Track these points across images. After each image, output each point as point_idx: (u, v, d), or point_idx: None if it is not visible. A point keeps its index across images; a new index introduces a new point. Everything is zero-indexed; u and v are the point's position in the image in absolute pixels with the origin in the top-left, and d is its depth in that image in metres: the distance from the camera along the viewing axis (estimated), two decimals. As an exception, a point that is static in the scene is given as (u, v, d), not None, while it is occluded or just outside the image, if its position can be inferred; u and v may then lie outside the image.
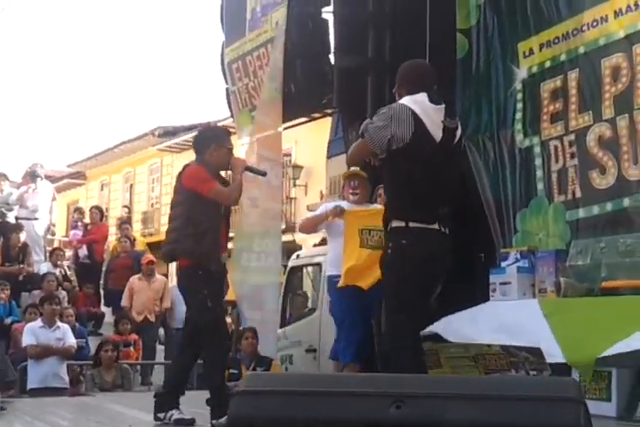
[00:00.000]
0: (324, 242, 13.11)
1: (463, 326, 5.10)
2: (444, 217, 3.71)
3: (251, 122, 7.93)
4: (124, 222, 12.28)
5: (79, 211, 12.49)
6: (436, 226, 3.61)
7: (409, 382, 1.17)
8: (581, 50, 5.51)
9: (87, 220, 11.80)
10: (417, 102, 3.71)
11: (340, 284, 5.38)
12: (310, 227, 6.11)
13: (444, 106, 3.80)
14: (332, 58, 7.04)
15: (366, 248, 5.38)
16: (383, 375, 1.17)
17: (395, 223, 3.63)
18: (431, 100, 3.75)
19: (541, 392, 1.09)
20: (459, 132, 3.92)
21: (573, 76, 5.57)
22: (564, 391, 1.09)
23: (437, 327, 5.03)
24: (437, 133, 3.68)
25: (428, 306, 3.77)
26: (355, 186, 5.74)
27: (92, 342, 8.37)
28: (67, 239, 14.10)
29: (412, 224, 3.58)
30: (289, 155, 19.15)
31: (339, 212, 5.64)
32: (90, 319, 10.21)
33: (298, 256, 9.01)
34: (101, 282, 10.84)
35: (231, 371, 6.96)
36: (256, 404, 1.12)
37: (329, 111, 8.91)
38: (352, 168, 5.74)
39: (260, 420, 1.12)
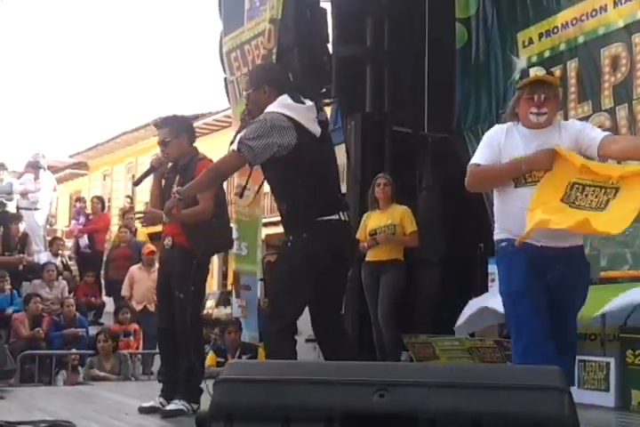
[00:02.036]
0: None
1: (467, 318, 5.14)
2: (342, 204, 3.72)
3: None
4: (127, 212, 12.29)
5: (81, 200, 12.52)
6: (336, 216, 3.61)
7: (392, 371, 1.17)
8: (581, 39, 5.50)
9: (89, 210, 11.82)
10: (287, 106, 3.64)
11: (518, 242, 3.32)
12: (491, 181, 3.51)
13: (313, 103, 3.76)
14: (330, 47, 7.02)
15: (569, 205, 3.27)
16: (366, 364, 1.16)
17: (299, 229, 3.61)
18: (296, 101, 3.69)
19: (525, 381, 1.08)
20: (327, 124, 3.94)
21: (573, 65, 5.55)
22: (548, 380, 1.08)
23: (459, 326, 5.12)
24: (316, 129, 3.66)
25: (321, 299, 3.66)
26: (539, 101, 3.36)
27: (93, 332, 8.39)
28: (68, 229, 14.12)
29: (315, 219, 3.57)
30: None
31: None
32: (90, 309, 10.23)
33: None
34: (102, 272, 10.86)
35: (218, 360, 7.03)
36: (237, 392, 1.11)
37: (328, 100, 8.89)
38: (537, 71, 3.45)
39: (240, 408, 1.11)
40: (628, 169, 3.23)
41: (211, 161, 4.33)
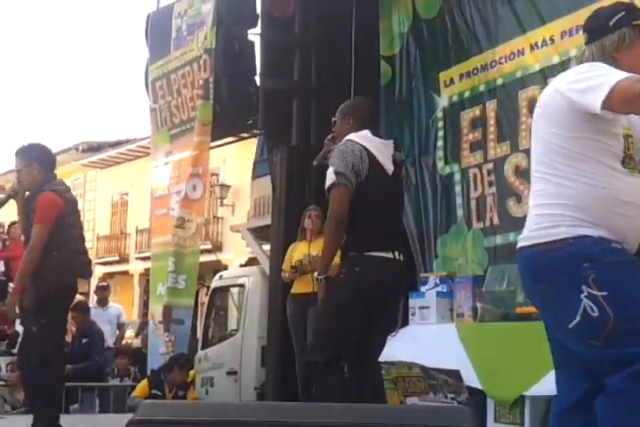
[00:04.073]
0: (250, 262, 13.07)
1: (389, 349, 5.16)
2: (399, 244, 3.86)
3: (168, 140, 7.92)
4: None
5: (0, 226, 12.09)
6: (391, 254, 3.71)
7: (298, 412, 1.18)
8: (499, 81, 5.68)
9: (5, 235, 11.44)
10: (365, 138, 3.83)
11: None
12: None
13: (392, 141, 4.03)
14: (257, 79, 7.08)
15: None
16: (274, 404, 1.18)
17: (351, 253, 3.73)
18: (374, 135, 3.92)
19: (435, 422, 1.11)
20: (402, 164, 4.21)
21: (492, 106, 5.72)
22: (458, 421, 1.11)
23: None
24: (389, 166, 3.83)
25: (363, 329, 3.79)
26: None
27: (4, 363, 8.12)
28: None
29: (367, 253, 3.69)
30: (217, 174, 19.07)
31: None
32: (3, 339, 9.89)
33: (221, 277, 8.95)
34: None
35: (153, 392, 6.88)
36: (149, 434, 1.10)
37: (255, 132, 8.93)
38: None
39: (151, 451, 1.10)
40: None
41: (53, 192, 4.43)
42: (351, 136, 3.85)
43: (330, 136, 4.12)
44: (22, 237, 11.00)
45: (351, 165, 3.69)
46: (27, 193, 4.63)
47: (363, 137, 3.83)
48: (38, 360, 4.41)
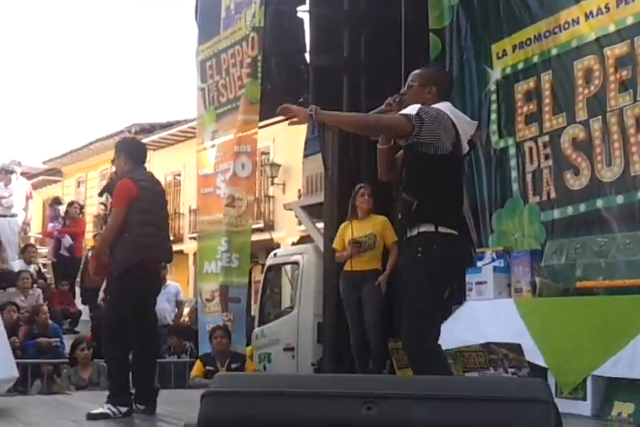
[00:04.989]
0: (302, 241, 13.12)
1: (448, 333, 5.15)
2: (465, 225, 3.77)
3: (215, 120, 7.96)
4: (101, 219, 12.18)
5: (58, 202, 12.30)
6: (457, 232, 3.63)
7: (379, 383, 1.19)
8: (554, 52, 5.57)
9: (63, 215, 11.67)
10: (453, 113, 3.63)
11: None
12: None
13: (477, 122, 3.82)
14: (307, 57, 7.06)
15: None
16: (353, 376, 1.19)
17: (423, 228, 3.56)
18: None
19: (511, 393, 1.11)
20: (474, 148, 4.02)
21: (547, 77, 5.63)
22: (533, 392, 1.11)
23: None
24: (465, 147, 3.67)
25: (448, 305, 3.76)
26: None
27: (68, 341, 8.32)
28: (41, 236, 13.96)
29: (441, 229, 3.55)
30: (267, 153, 19.13)
31: None
32: (66, 317, 10.16)
33: (275, 255, 9.02)
34: (77, 280, 10.78)
35: (207, 367, 7.01)
36: (225, 404, 1.13)
37: (306, 110, 8.92)
38: None
39: (228, 420, 1.13)
40: None
41: (129, 179, 4.80)
42: (440, 106, 3.60)
43: (396, 98, 3.75)
44: (81, 216, 11.25)
45: (435, 127, 3.46)
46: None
47: (452, 111, 3.62)
48: (104, 333, 4.88)
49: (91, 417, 4.47)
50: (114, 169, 5.42)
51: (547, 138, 5.60)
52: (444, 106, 3.62)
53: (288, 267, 8.82)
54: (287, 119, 10.56)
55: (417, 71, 3.86)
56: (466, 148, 3.67)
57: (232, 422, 1.18)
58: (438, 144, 3.51)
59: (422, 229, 3.55)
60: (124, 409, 4.59)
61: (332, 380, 1.24)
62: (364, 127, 3.73)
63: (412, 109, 3.51)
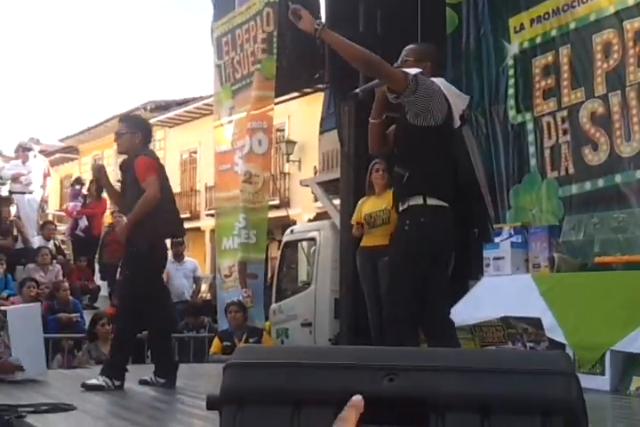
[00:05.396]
0: (318, 217, 13.14)
1: (465, 308, 5.15)
2: (452, 197, 3.77)
3: (231, 96, 7.93)
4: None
5: (79, 182, 12.32)
6: (446, 204, 3.64)
7: (401, 355, 1.20)
8: (572, 25, 5.51)
9: (86, 192, 11.71)
10: (445, 87, 3.68)
11: None
12: None
13: (468, 97, 3.84)
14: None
15: None
16: (375, 348, 1.19)
17: (413, 201, 3.61)
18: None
19: (533, 365, 1.11)
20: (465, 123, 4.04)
21: (565, 51, 5.57)
22: (555, 365, 1.11)
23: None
24: (457, 121, 3.72)
25: (437, 283, 3.74)
26: None
27: (88, 316, 8.40)
28: (60, 213, 14.03)
29: (430, 201, 3.59)
30: (282, 130, 19.08)
31: None
32: (85, 293, 10.26)
33: (292, 231, 9.04)
34: (97, 256, 10.86)
35: (225, 343, 7.06)
36: (247, 376, 1.14)
37: (321, 86, 8.88)
38: None
39: (251, 392, 1.14)
40: None
41: (149, 157, 4.84)
42: (437, 80, 3.67)
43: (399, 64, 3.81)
44: (104, 196, 11.36)
45: (427, 95, 3.50)
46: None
47: (444, 85, 3.68)
48: (119, 308, 4.96)
49: (86, 387, 4.55)
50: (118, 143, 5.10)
51: (565, 113, 5.56)
52: (438, 80, 3.69)
53: (305, 243, 8.85)
54: (301, 95, 10.51)
55: (411, 46, 3.91)
56: (458, 122, 3.73)
57: (254, 393, 1.19)
58: (427, 115, 3.56)
59: (412, 202, 3.61)
60: (117, 383, 4.64)
61: (353, 352, 1.25)
62: (365, 62, 3.74)
63: (412, 71, 3.56)
